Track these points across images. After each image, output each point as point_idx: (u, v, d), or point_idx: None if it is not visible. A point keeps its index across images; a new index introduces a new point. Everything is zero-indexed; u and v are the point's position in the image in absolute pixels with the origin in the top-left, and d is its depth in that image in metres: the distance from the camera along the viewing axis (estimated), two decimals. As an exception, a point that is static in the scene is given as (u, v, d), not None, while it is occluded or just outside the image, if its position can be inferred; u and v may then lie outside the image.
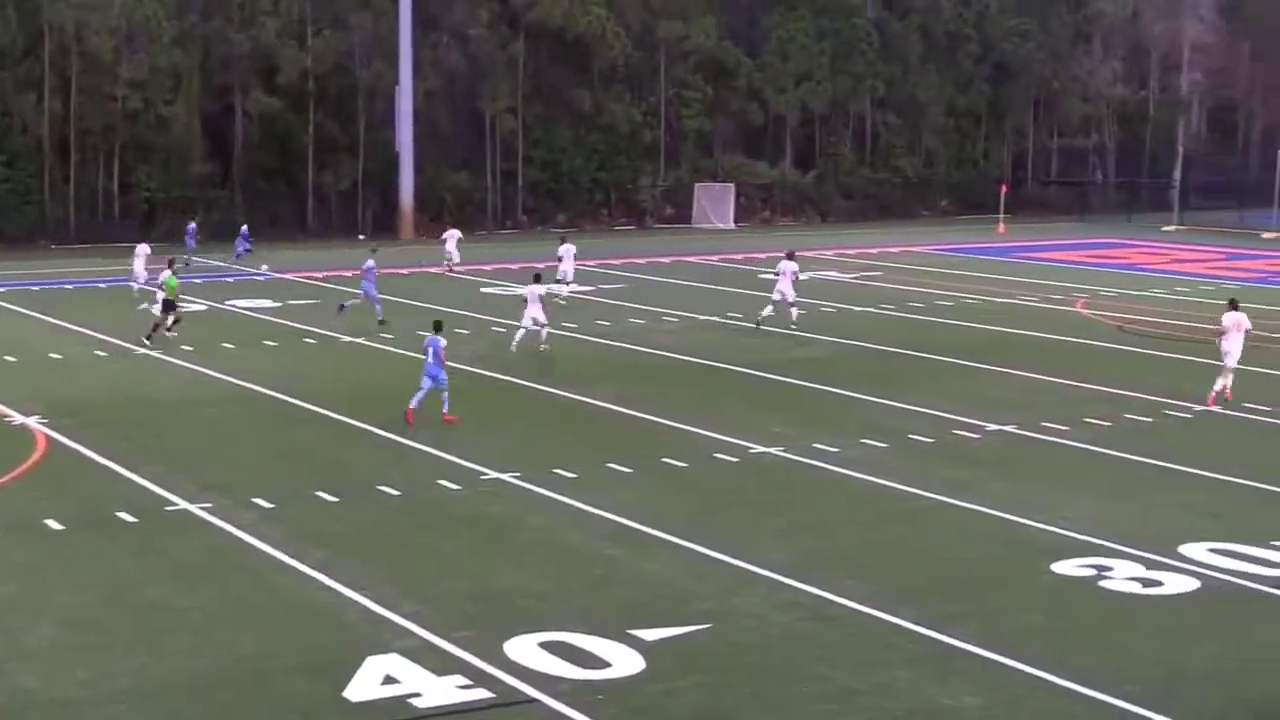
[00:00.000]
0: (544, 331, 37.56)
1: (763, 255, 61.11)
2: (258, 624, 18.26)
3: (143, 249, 49.27)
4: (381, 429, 28.86)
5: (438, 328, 30.08)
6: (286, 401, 31.77)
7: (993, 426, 29.22)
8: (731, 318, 43.89)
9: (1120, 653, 17.45)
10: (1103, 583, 19.90)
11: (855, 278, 54.41)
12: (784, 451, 27.15)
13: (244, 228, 59.78)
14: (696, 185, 79.72)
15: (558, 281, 46.89)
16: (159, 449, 27.39)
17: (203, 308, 46.11)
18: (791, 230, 75.97)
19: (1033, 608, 19.00)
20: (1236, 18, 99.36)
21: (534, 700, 15.98)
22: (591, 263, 55.50)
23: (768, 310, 42.03)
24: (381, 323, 41.21)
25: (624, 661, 17.03)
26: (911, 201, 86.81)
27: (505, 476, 25.17)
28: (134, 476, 25.23)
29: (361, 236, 69.26)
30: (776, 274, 42.85)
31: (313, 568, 20.30)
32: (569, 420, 30.34)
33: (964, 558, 21.13)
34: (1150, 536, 21.84)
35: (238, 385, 33.54)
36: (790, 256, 43.41)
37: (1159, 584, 19.84)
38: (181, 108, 69.00)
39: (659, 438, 28.41)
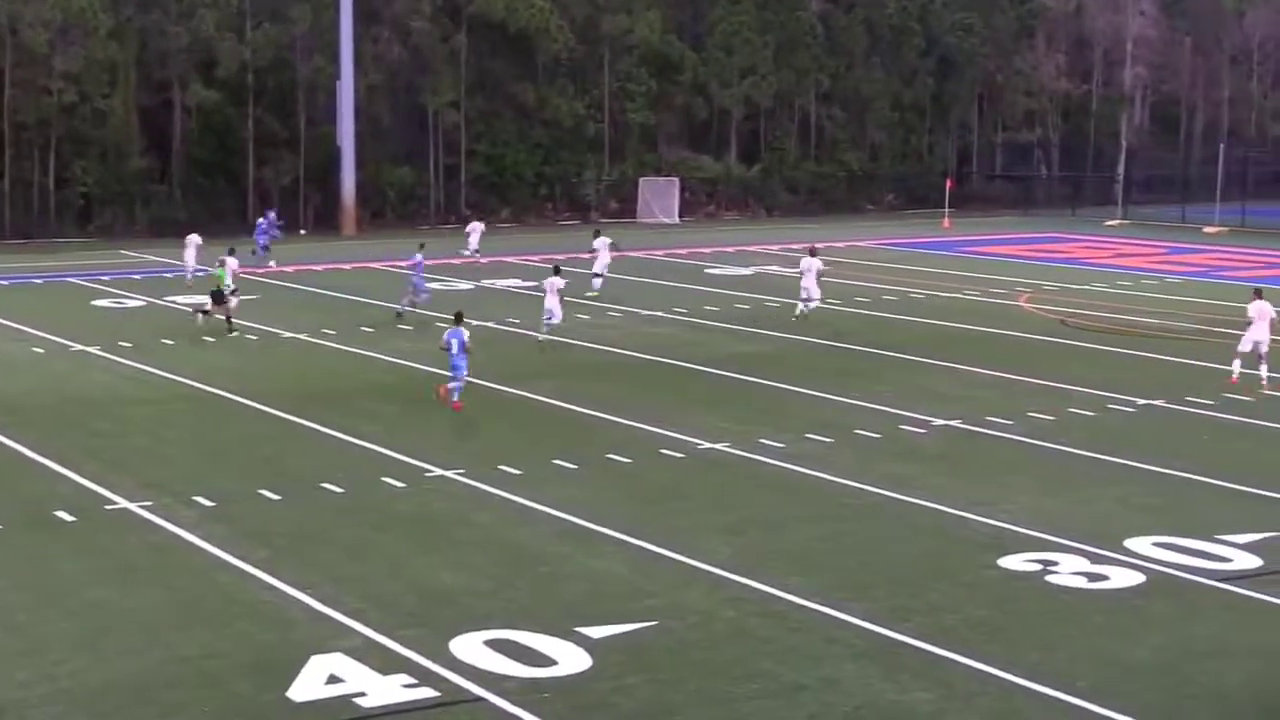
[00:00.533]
0: (553, 320, 38.13)
1: (707, 250, 61.09)
2: (200, 624, 18.06)
3: (193, 239, 49.80)
4: (325, 426, 28.65)
5: (459, 319, 30.64)
6: (228, 399, 31.49)
7: (938, 421, 29.26)
8: (677, 313, 43.83)
9: (1068, 647, 17.49)
10: (1049, 577, 19.94)
11: (800, 272, 54.29)
12: (730, 447, 27.10)
13: (270, 214, 60.08)
14: (641, 179, 79.58)
15: (597, 276, 47.21)
16: (98, 447, 27.11)
17: (141, 304, 45.72)
18: (736, 225, 76.00)
19: (980, 603, 19.01)
20: (1177, 12, 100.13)
21: (480, 699, 15.88)
22: (535, 258, 55.34)
23: (801, 308, 42.50)
24: (399, 314, 41.88)
25: (570, 659, 16.96)
26: (857, 196, 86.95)
27: (450, 473, 25.03)
28: (73, 475, 24.95)
29: (302, 232, 68.75)
30: (800, 271, 43.35)
31: (256, 566, 20.13)
32: (514, 416, 30.20)
33: (911, 553, 21.12)
34: (1095, 531, 21.92)
35: (178, 382, 33.22)
36: (812, 253, 44.04)
37: (1105, 578, 19.91)
38: (119, 101, 68.19)
39: (604, 434, 28.33)
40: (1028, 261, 59.13)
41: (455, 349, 30.15)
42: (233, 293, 40.68)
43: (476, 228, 57.95)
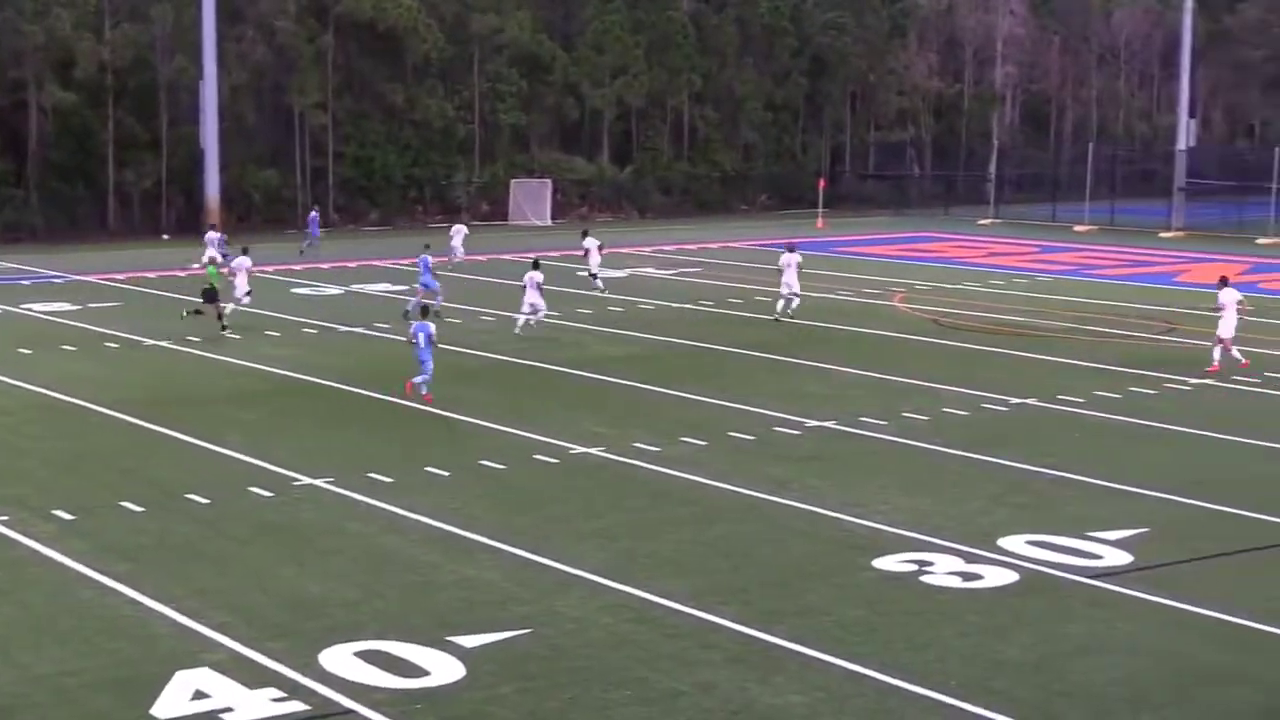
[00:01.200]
0: (539, 314, 39.62)
1: (579, 252, 60.87)
2: (59, 640, 17.57)
3: (213, 236, 50.74)
4: (189, 434, 28.08)
5: (425, 312, 31.62)
6: (87, 408, 30.76)
7: (812, 423, 29.25)
8: (550, 317, 43.49)
9: (941, 646, 17.50)
10: (924, 578, 19.95)
11: (674, 274, 54.38)
12: (604, 451, 26.91)
13: (315, 213, 61.53)
14: (512, 181, 79.20)
15: (592, 276, 47.78)
16: (-46, 459, 26.37)
17: None
18: (609, 226, 75.78)
19: (855, 604, 18.97)
20: (1046, 11, 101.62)
21: (350, 711, 15.60)
22: (405, 261, 54.80)
23: (781, 305, 42.99)
24: (435, 313, 40.84)
25: (443, 669, 16.72)
26: (730, 196, 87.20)
27: (319, 482, 24.61)
28: (-74, 488, 24.22)
29: (165, 236, 67.58)
30: (780, 267, 43.74)
31: (117, 580, 19.63)
32: (384, 422, 29.81)
33: (786, 555, 21.04)
34: (970, 530, 21.99)
35: (34, 391, 32.41)
36: (791, 249, 44.39)
37: (979, 577, 19.95)
38: (-30, 102, 66.68)
39: (477, 439, 28.05)
40: (901, 261, 59.55)
41: (422, 343, 30.83)
42: (248, 293, 41.08)
43: (459, 230, 57.82)
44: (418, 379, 30.99)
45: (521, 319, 39.84)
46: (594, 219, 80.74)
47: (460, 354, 37.32)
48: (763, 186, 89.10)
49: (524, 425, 28.85)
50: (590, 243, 48.67)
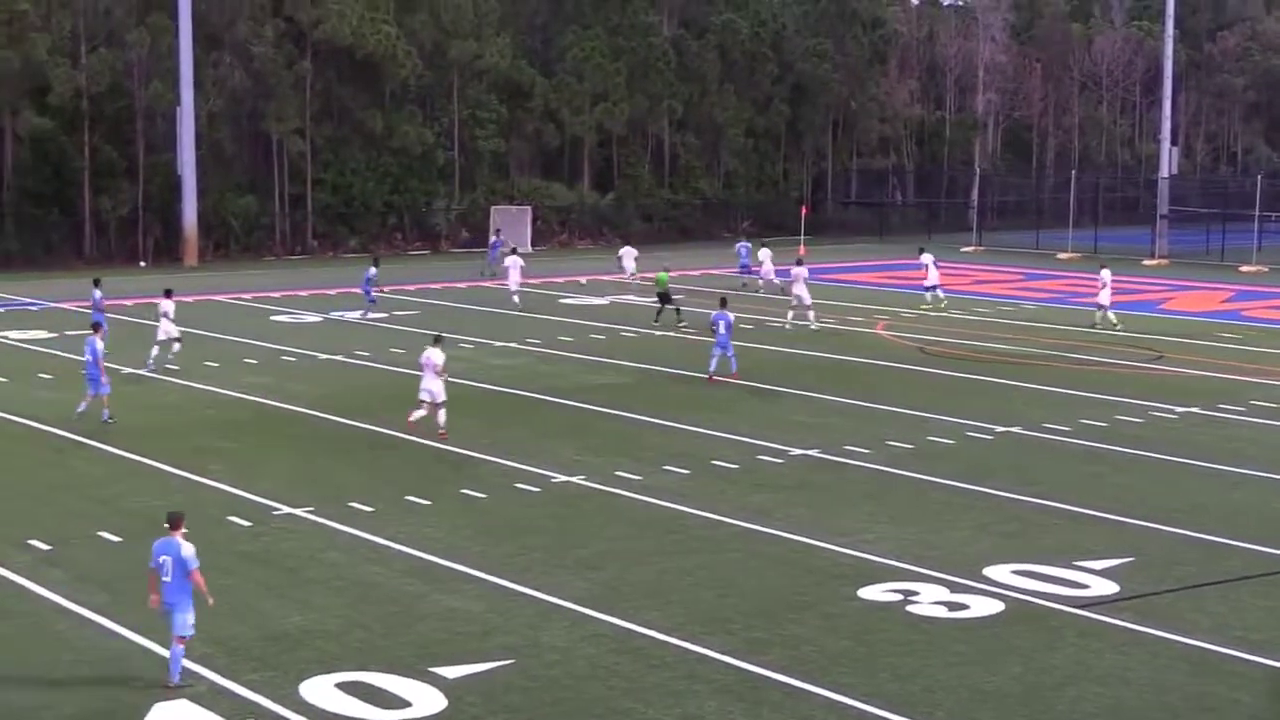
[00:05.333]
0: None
1: (560, 279, 60.72)
2: (36, 673, 17.40)
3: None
4: (167, 464, 27.85)
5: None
6: (63, 437, 30.51)
7: (796, 451, 29.10)
8: (530, 344, 43.40)
9: (927, 677, 17.38)
10: (910, 607, 19.82)
11: (656, 302, 54.07)
12: (586, 480, 26.73)
13: (499, 236, 64.19)
14: (493, 208, 78.92)
15: (513, 294, 49.64)
16: (-72, 488, 26.09)
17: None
18: (590, 253, 75.65)
19: (840, 634, 18.83)
20: (1027, 39, 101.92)
21: (330, 746, 15.39)
22: (387, 288, 54.59)
23: (791, 316, 46.13)
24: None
25: (425, 700, 16.58)
26: (712, 223, 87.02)
27: (299, 511, 24.41)
28: (-100, 518, 23.96)
29: (143, 264, 67.20)
30: (790, 279, 46.41)
31: (95, 611, 19.46)
32: (365, 451, 29.60)
33: (770, 585, 20.88)
34: (955, 560, 21.85)
35: (9, 420, 32.14)
36: (799, 262, 47.03)
37: (965, 607, 19.83)
38: (-56, 128, 66.21)
39: (458, 468, 27.86)
40: (884, 288, 59.45)
41: (722, 330, 36.41)
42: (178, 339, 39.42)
43: (629, 251, 58.57)
44: (715, 364, 36.33)
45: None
46: (575, 245, 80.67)
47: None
48: (744, 214, 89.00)
49: (505, 454, 28.68)
50: (513, 261, 51.47)
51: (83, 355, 32.40)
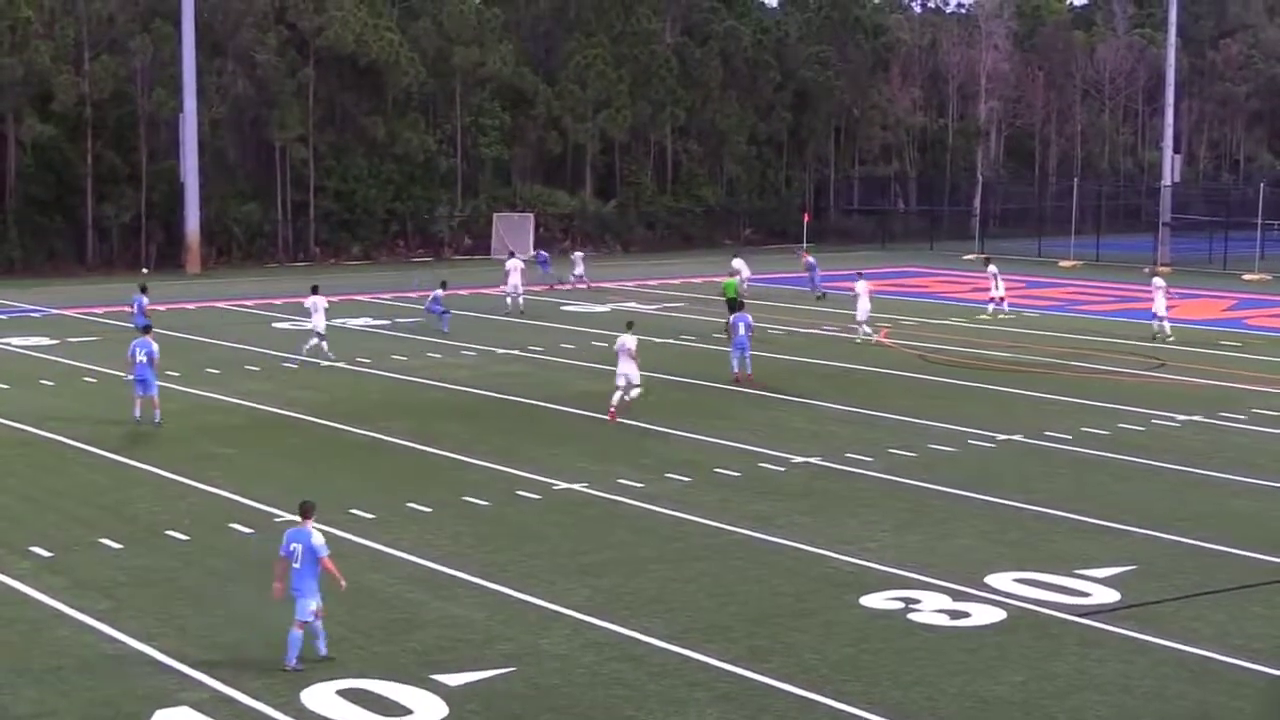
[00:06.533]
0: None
1: (565, 286, 60.70)
2: (36, 679, 17.36)
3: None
4: (169, 470, 27.84)
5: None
6: (65, 443, 30.50)
7: (797, 459, 29.08)
8: (532, 351, 43.39)
9: (929, 685, 17.35)
10: (911, 615, 19.79)
11: (657, 309, 54.19)
12: (587, 487, 26.71)
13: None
14: (495, 215, 78.93)
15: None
16: (-70, 495, 26.08)
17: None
18: (593, 260, 75.62)
19: (842, 642, 18.80)
20: (1030, 46, 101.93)
21: (331, 754, 15.37)
22: (387, 296, 54.71)
23: (866, 330, 45.91)
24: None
25: (426, 708, 16.56)
26: (714, 231, 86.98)
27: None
28: (-98, 525, 23.94)
29: (145, 270, 67.14)
30: (855, 294, 46.60)
31: (96, 618, 19.43)
32: (366, 458, 29.59)
33: (772, 593, 20.86)
34: (957, 568, 21.82)
35: (11, 427, 32.13)
36: (860, 275, 48.33)
37: (966, 615, 19.79)
38: (-53, 135, 66.19)
39: (459, 475, 27.83)
40: (886, 296, 59.26)
41: (741, 331, 36.86)
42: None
43: (579, 256, 62.34)
44: (736, 364, 36.91)
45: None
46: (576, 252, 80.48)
47: (441, 389, 37.15)
48: (747, 221, 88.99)
49: (506, 461, 28.66)
50: (514, 264, 52.45)
51: (133, 358, 32.03)
